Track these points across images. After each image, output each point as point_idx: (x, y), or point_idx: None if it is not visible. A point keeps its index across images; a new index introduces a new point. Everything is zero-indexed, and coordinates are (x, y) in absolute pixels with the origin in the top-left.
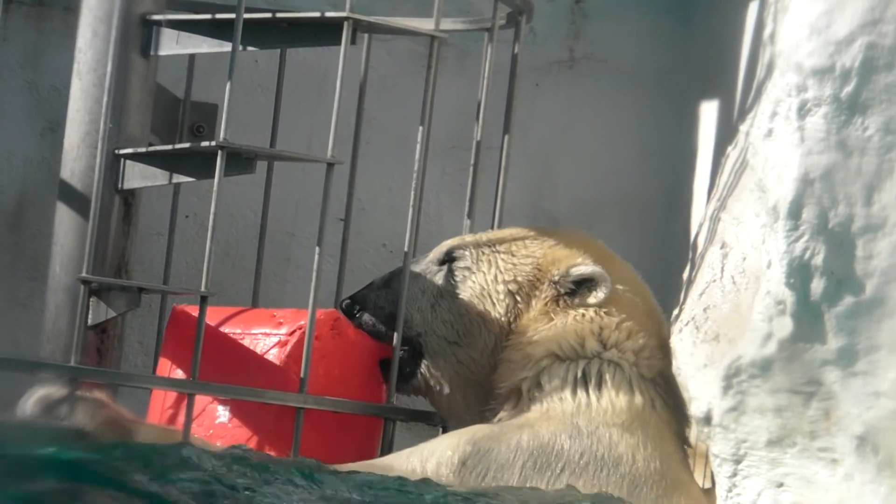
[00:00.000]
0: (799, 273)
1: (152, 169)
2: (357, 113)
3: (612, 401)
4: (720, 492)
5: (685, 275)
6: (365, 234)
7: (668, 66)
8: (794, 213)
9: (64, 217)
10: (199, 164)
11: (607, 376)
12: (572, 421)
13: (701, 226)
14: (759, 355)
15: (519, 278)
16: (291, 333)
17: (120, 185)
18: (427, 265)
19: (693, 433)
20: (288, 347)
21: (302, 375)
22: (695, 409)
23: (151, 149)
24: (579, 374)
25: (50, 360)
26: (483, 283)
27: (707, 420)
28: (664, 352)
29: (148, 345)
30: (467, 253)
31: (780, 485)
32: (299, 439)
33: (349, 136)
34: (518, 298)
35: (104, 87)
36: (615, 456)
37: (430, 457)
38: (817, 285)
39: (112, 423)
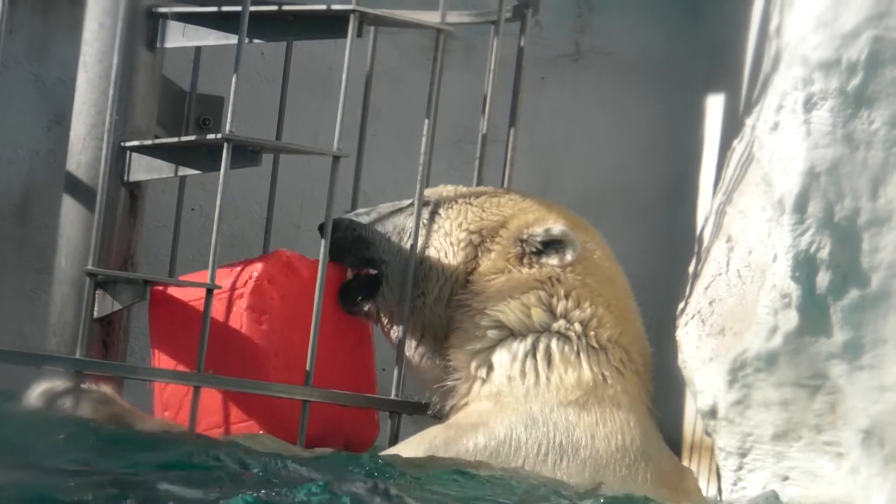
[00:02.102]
0: (804, 266)
1: (158, 161)
2: (363, 106)
3: (561, 378)
4: (725, 485)
5: (691, 268)
6: None
7: (674, 60)
8: (800, 206)
9: (70, 209)
10: (204, 156)
11: (555, 351)
12: (526, 407)
13: (706, 219)
14: (764, 349)
15: (483, 231)
16: (245, 284)
17: (126, 178)
18: (407, 208)
19: (697, 425)
20: (245, 301)
21: (308, 368)
22: (700, 402)
23: (157, 141)
24: (529, 352)
25: (55, 353)
26: (448, 228)
27: (712, 413)
28: (617, 318)
29: None
30: (442, 200)
31: (786, 478)
32: (305, 430)
33: (355, 129)
34: (479, 252)
35: (110, 79)
36: (574, 441)
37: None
38: (823, 279)
39: (116, 417)
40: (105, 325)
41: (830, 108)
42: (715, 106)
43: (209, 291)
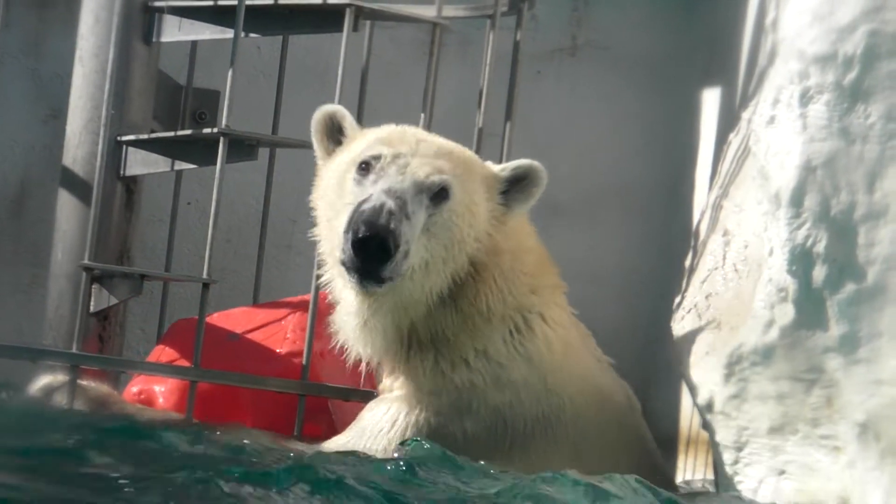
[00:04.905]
0: (801, 260)
1: (154, 156)
2: (359, 100)
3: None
4: (722, 479)
5: (687, 262)
6: None
7: (671, 54)
8: (796, 200)
9: (66, 204)
10: (201, 150)
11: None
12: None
13: (703, 213)
14: (760, 342)
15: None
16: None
17: (122, 172)
18: (419, 197)
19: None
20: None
21: (304, 363)
22: (697, 396)
23: (153, 135)
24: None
25: (52, 347)
26: (461, 233)
27: (709, 407)
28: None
29: (150, 332)
30: (457, 196)
31: (782, 472)
32: (302, 424)
33: None
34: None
35: (106, 73)
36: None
37: (393, 442)
38: (819, 272)
39: (116, 416)
40: (101, 319)
41: (827, 101)
42: (711, 100)
43: (205, 286)
